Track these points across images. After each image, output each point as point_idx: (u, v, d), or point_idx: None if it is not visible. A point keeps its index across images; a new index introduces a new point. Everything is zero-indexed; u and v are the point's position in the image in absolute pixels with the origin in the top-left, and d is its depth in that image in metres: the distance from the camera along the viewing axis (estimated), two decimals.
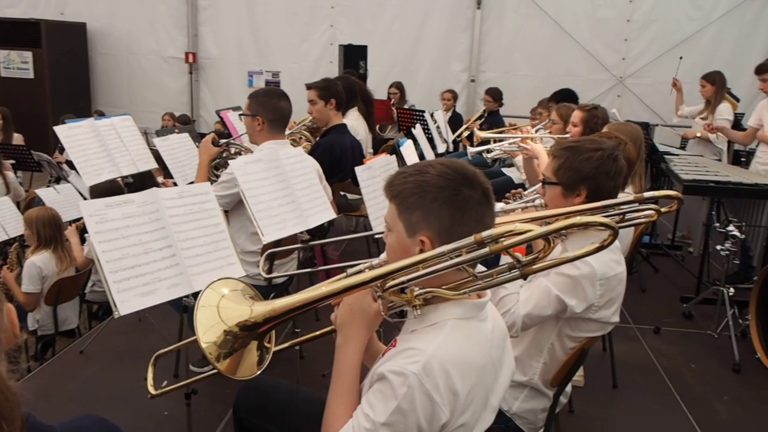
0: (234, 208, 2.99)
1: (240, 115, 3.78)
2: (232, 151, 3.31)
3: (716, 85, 5.57)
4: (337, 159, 3.89)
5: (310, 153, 3.84)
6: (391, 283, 1.32)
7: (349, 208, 4.59)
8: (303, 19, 9.22)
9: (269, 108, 3.04)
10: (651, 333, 4.07)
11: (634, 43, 8.87)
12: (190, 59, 9.44)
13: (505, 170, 5.34)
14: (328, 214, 2.84)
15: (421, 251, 1.31)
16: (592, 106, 3.74)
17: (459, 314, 1.33)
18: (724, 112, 5.56)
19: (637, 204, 2.05)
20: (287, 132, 4.12)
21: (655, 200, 2.09)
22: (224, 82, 9.57)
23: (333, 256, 4.23)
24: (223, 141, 3.31)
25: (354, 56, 7.39)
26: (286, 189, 2.64)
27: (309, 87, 4.02)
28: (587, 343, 2.03)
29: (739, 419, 3.16)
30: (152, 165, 3.93)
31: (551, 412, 2.12)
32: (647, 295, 4.71)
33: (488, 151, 4.07)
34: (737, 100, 6.95)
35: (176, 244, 2.14)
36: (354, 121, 4.37)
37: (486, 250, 1.26)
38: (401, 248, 1.36)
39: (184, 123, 7.76)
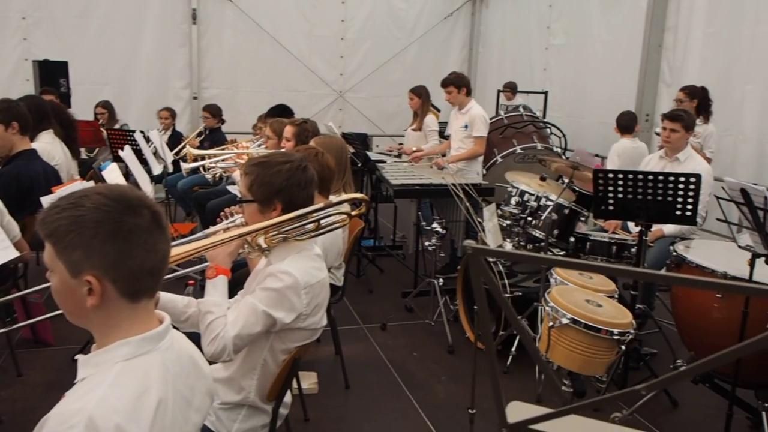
0: None
1: None
2: None
3: (422, 98, 6.06)
4: (27, 189, 3.42)
5: None
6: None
7: None
8: None
9: None
10: (378, 330, 4.33)
11: (349, 60, 9.46)
12: None
13: (229, 188, 5.24)
14: (9, 253, 2.46)
15: (90, 291, 1.17)
16: (302, 120, 3.87)
17: (127, 354, 1.21)
18: (431, 123, 6.15)
19: (329, 209, 2.13)
20: None
21: (346, 203, 2.19)
22: None
23: (36, 300, 3.70)
24: None
25: (52, 73, 6.62)
26: None
27: None
28: (298, 353, 2.04)
29: (455, 395, 3.52)
30: None
31: (272, 426, 2.09)
32: (374, 295, 5.01)
33: (205, 168, 3.95)
34: (438, 110, 7.84)
35: None
36: (48, 144, 3.88)
37: None
38: (66, 290, 1.20)
39: None
